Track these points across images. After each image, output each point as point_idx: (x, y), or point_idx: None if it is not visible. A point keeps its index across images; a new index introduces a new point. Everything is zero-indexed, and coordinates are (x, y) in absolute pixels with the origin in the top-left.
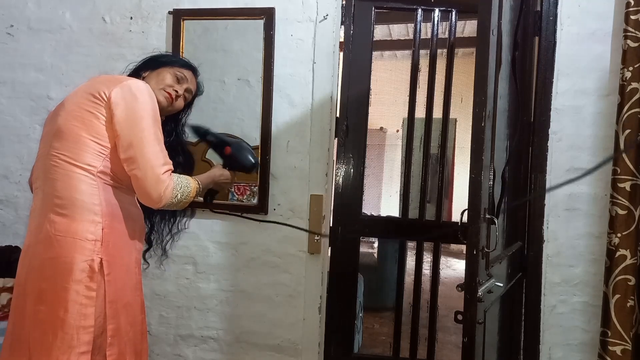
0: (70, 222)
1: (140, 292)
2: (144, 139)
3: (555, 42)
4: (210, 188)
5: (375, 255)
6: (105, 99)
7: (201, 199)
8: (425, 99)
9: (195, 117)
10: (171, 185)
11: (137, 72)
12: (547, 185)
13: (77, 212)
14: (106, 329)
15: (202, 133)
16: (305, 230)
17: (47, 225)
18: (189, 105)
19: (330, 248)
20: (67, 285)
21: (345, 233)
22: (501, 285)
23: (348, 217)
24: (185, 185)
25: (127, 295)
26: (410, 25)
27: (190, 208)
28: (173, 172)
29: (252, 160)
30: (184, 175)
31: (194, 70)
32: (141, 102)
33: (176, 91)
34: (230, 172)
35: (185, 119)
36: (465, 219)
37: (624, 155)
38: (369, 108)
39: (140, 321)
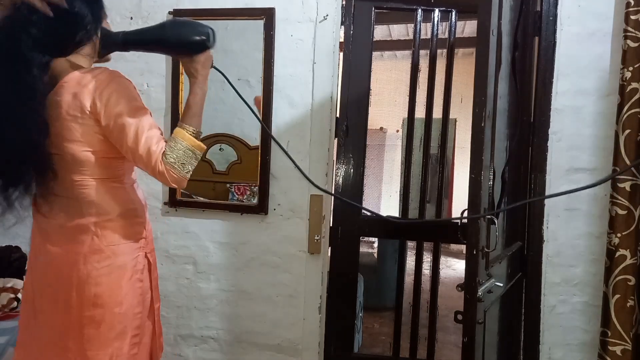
0: (120, 229)
1: None
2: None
3: (555, 42)
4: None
5: (375, 255)
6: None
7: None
8: (425, 99)
9: None
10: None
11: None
12: (547, 186)
13: (122, 219)
14: (154, 309)
15: (117, 41)
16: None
17: (92, 239)
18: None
19: (330, 248)
20: (122, 284)
21: (345, 233)
22: (501, 285)
23: (348, 217)
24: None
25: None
26: (410, 26)
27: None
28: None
29: (197, 38)
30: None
31: None
32: (112, 88)
33: None
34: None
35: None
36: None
37: (624, 156)
38: (369, 108)
39: None
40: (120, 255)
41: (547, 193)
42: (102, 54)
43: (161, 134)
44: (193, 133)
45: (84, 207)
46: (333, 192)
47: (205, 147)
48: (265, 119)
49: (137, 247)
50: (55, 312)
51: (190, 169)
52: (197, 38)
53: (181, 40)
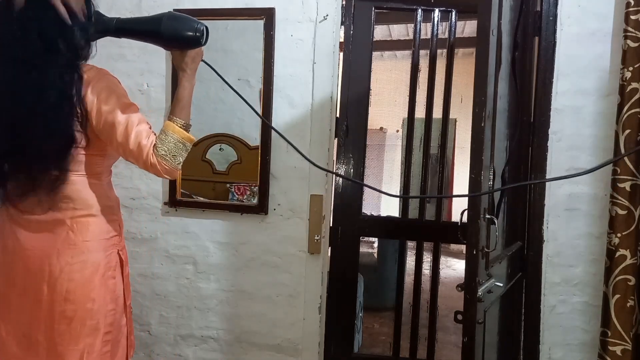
0: (95, 225)
1: None
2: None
3: (555, 42)
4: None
5: (375, 255)
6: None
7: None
8: (425, 99)
9: (195, 118)
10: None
11: None
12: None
13: (98, 215)
14: (126, 306)
15: (110, 27)
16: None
17: (67, 233)
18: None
19: (330, 248)
20: (95, 280)
21: (345, 233)
22: (501, 285)
23: (348, 217)
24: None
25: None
26: (410, 26)
27: None
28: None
29: (191, 34)
30: (165, 133)
31: None
32: (102, 85)
33: None
34: (186, 51)
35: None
36: (465, 219)
37: (625, 157)
38: (369, 108)
39: None
40: (94, 251)
41: (547, 193)
42: (94, 39)
43: (150, 128)
44: (183, 125)
45: (61, 202)
46: (333, 192)
47: (194, 139)
48: (266, 119)
49: (111, 244)
50: (25, 303)
51: (181, 160)
52: (191, 34)
53: (175, 36)
